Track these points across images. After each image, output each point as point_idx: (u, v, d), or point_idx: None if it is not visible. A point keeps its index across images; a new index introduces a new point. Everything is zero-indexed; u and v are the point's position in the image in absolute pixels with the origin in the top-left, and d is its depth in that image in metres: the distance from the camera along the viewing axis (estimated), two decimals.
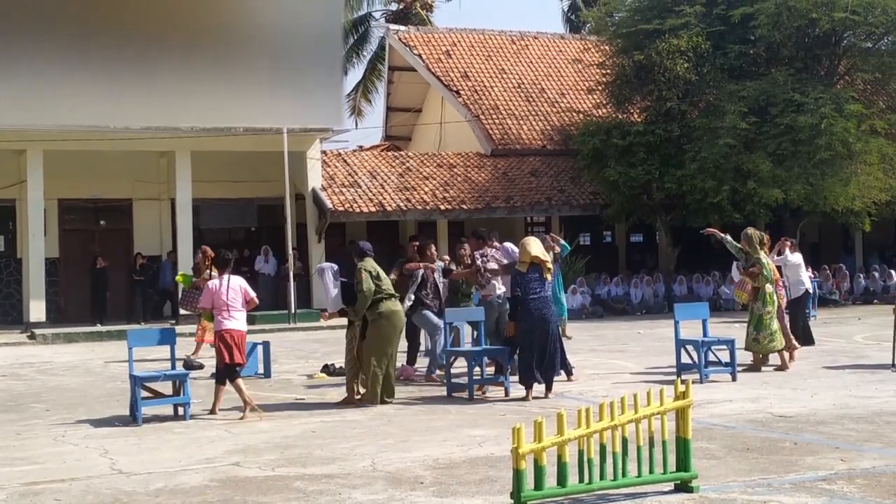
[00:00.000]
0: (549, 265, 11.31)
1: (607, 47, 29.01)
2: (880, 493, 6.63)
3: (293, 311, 23.72)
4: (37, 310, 22.92)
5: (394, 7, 43.00)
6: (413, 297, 12.89)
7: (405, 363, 13.31)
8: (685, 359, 12.77)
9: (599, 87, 28.98)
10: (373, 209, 25.85)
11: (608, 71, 28.66)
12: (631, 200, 27.02)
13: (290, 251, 23.79)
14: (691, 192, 25.88)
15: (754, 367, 13.40)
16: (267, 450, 8.72)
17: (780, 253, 15.75)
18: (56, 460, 8.52)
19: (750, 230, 14.23)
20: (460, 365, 12.37)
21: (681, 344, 12.86)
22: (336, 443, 8.95)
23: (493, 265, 12.72)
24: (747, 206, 25.56)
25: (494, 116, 30.38)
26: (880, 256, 31.24)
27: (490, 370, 12.30)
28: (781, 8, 25.17)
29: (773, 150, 24.91)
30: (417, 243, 13.50)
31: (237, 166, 25.61)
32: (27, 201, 23.53)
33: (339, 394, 11.74)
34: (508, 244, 13.02)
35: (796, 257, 16.09)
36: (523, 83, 31.95)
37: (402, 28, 34.14)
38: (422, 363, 13.46)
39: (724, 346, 12.92)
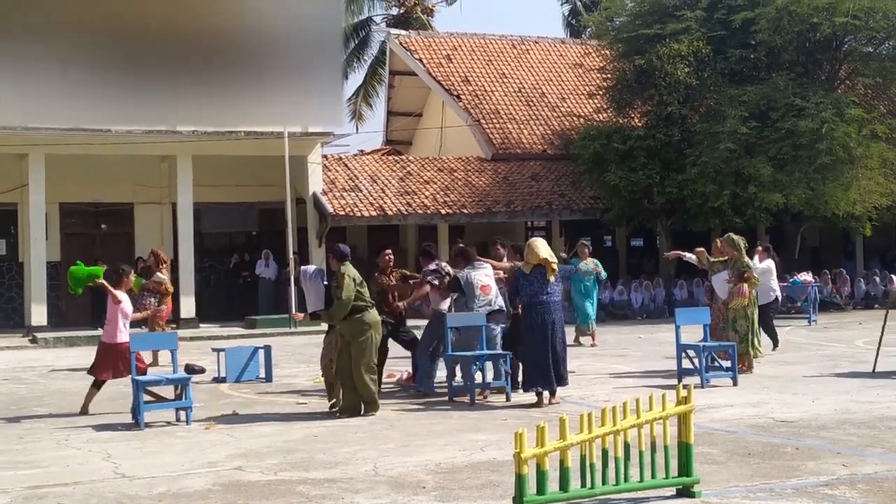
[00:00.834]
0: (555, 267, 11.16)
1: (608, 52, 29.06)
2: (882, 499, 6.63)
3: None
4: (38, 313, 22.93)
5: (394, 11, 43.04)
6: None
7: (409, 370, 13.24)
8: (686, 363, 12.78)
9: (600, 92, 29.00)
10: (373, 213, 25.87)
11: (609, 75, 28.69)
12: (631, 205, 27.04)
13: (291, 255, 23.78)
14: (692, 196, 25.91)
15: (747, 370, 13.43)
16: (269, 454, 8.72)
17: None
18: (59, 464, 8.52)
19: (735, 237, 14.23)
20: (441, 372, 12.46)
21: (682, 348, 12.86)
22: (338, 447, 8.95)
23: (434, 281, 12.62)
24: (748, 210, 25.58)
25: (495, 121, 30.40)
26: (881, 261, 31.24)
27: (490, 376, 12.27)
28: (782, 13, 25.21)
29: (774, 155, 24.92)
30: (390, 253, 13.23)
31: (238, 170, 25.64)
32: (29, 205, 23.55)
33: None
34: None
35: (767, 264, 16.12)
36: (524, 87, 31.99)
37: (403, 32, 34.19)
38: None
39: (727, 351, 12.96)
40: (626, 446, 6.49)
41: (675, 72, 26.24)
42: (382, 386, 12.24)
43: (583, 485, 6.39)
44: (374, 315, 10.79)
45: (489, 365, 11.98)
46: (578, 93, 31.87)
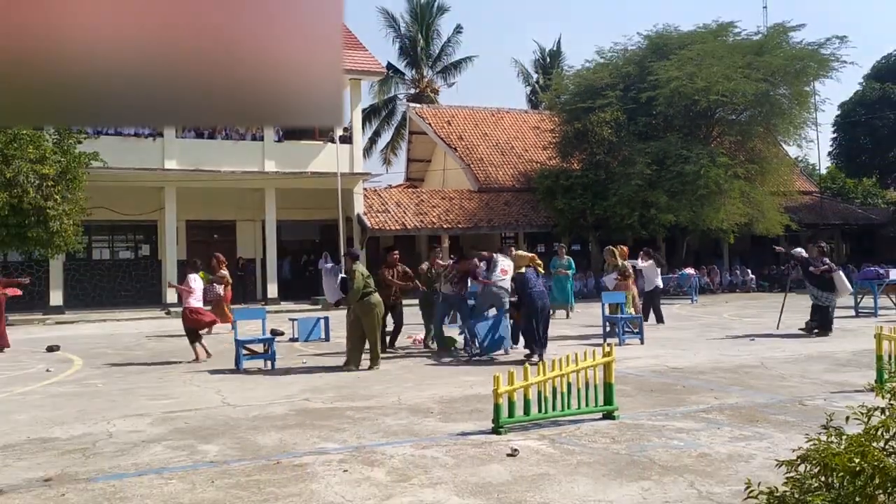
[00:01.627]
0: (539, 262, 10.75)
1: (556, 118, 29.05)
2: (741, 420, 6.64)
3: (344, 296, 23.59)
4: (171, 295, 22.86)
5: (413, 91, 43.05)
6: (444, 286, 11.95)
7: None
8: (609, 330, 12.78)
9: (551, 146, 28.98)
10: (398, 227, 25.88)
11: (557, 135, 28.67)
12: (572, 222, 27.03)
13: (342, 255, 23.71)
14: (613, 216, 25.92)
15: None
16: (327, 389, 8.73)
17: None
18: (185, 397, 8.54)
19: (613, 248, 14.14)
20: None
21: (606, 320, 12.87)
22: (374, 385, 8.96)
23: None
24: (651, 226, 25.61)
25: (480, 165, 30.39)
26: (740, 259, 31.25)
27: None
28: (674, 93, 25.22)
29: (668, 188, 24.93)
30: (397, 253, 12.41)
31: (306, 198, 25.60)
32: (165, 222, 23.53)
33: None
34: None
35: (649, 263, 15.56)
36: (499, 143, 31.95)
37: (418, 105, 34.20)
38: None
39: (635, 321, 12.96)
40: (569, 385, 6.50)
41: (601, 132, 26.25)
42: (404, 346, 12.15)
43: (539, 410, 6.40)
44: (377, 297, 10.45)
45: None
46: (537, 146, 31.82)
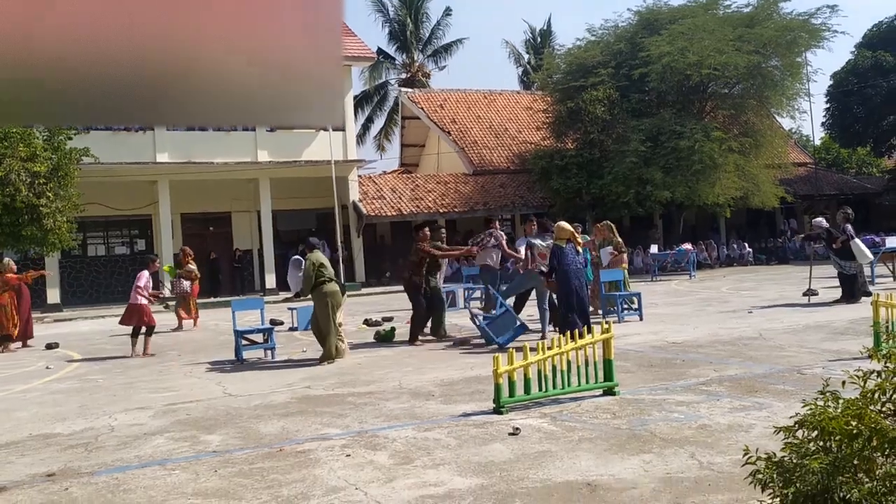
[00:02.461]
0: (580, 240, 10.03)
1: (549, 98, 28.97)
2: (740, 391, 6.67)
3: (342, 282, 23.59)
4: (167, 288, 22.87)
5: (404, 76, 42.85)
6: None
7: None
8: (609, 306, 12.81)
9: (545, 126, 28.93)
10: (394, 213, 25.86)
11: (550, 115, 28.61)
12: (568, 202, 27.02)
13: (339, 243, 23.69)
14: (609, 195, 25.90)
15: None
16: (328, 377, 8.74)
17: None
18: (186, 389, 8.54)
19: (610, 223, 14.20)
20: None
21: (605, 297, 12.88)
22: (374, 370, 8.97)
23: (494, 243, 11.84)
24: (647, 203, 25.61)
25: (474, 148, 30.32)
26: (737, 233, 31.29)
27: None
28: (666, 68, 25.13)
29: (663, 165, 24.90)
30: (426, 228, 11.54)
31: (301, 187, 25.54)
32: (160, 215, 23.48)
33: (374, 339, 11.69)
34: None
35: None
36: (493, 125, 31.87)
37: (410, 90, 34.04)
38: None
39: (635, 297, 12.98)
40: (569, 363, 6.51)
41: (594, 111, 26.17)
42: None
43: (540, 389, 6.42)
44: (331, 287, 9.77)
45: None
46: (530, 127, 31.78)
